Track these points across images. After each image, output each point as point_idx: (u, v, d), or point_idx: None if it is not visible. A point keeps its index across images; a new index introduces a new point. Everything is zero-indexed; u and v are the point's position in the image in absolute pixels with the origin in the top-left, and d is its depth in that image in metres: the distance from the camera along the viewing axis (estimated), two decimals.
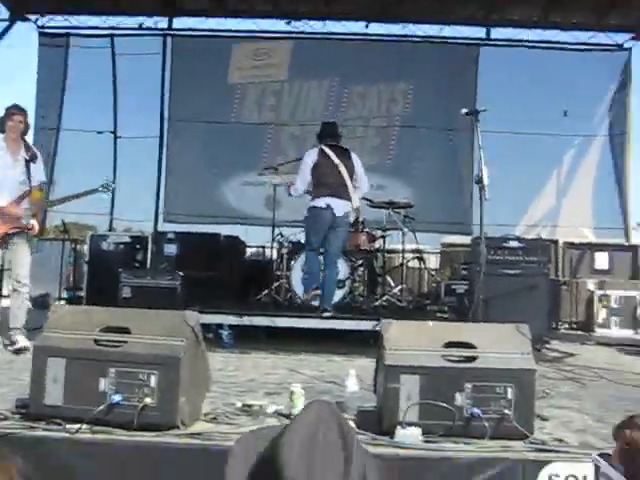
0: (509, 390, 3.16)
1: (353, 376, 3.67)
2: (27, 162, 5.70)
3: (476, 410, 3.13)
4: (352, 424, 3.28)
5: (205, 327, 5.98)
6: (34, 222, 5.69)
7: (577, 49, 10.82)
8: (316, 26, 10.98)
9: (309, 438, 1.33)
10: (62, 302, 9.59)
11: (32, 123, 10.99)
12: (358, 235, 7.94)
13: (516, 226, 10.40)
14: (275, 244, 8.08)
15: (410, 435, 3.07)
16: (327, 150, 6.79)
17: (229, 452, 1.44)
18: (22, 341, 5.45)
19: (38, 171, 5.86)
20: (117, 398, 3.13)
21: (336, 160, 6.73)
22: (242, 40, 11.27)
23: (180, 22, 11.31)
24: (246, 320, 6.42)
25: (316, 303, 6.93)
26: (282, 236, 8.03)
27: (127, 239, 9.16)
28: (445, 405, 3.14)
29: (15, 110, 5.75)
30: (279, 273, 7.73)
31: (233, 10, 10.97)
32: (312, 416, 1.37)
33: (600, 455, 2.18)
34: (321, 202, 6.66)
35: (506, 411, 3.13)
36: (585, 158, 10.88)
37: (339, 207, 6.67)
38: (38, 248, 11.24)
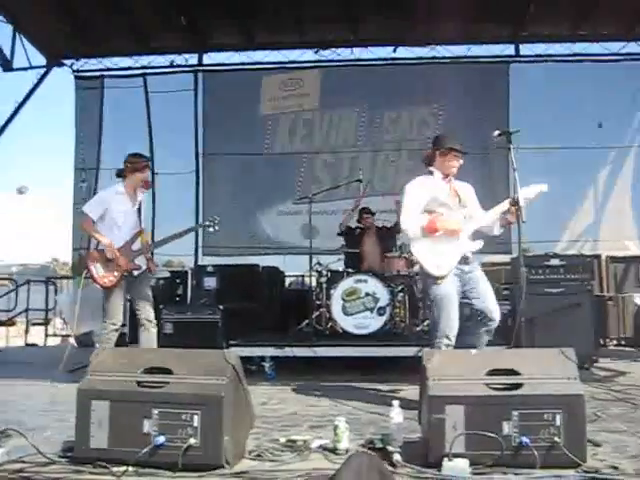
0: (557, 417, 3.08)
1: (397, 407, 3.61)
2: (140, 207, 6.10)
3: (524, 439, 3.06)
4: (398, 457, 3.25)
5: (247, 360, 6.06)
6: (151, 264, 6.07)
7: (608, 60, 10.69)
8: (344, 54, 11.08)
9: None
10: None
11: (72, 163, 11.53)
12: (397, 260, 7.90)
13: (557, 242, 10.25)
14: (313, 273, 8.04)
15: (458, 467, 3.01)
16: None
17: None
18: None
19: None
20: (161, 439, 3.13)
21: None
22: (272, 72, 11.40)
23: (210, 58, 11.49)
24: (288, 351, 6.41)
25: (359, 332, 6.95)
26: (320, 265, 8.00)
27: (167, 274, 9.22)
28: (492, 435, 3.07)
29: (145, 162, 6.12)
30: (319, 302, 7.70)
31: (261, 43, 11.12)
32: (351, 473, 1.35)
33: None
34: None
35: (556, 439, 3.06)
36: (623, 169, 10.70)
37: None
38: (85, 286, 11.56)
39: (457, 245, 4.69)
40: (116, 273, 5.77)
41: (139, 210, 6.07)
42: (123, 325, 9.19)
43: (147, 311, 5.95)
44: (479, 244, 4.78)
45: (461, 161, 4.95)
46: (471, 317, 4.75)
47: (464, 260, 4.73)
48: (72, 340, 11.08)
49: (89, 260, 5.86)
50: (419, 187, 4.89)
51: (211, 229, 6.16)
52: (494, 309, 4.65)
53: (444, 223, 4.70)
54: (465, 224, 4.78)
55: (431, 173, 4.95)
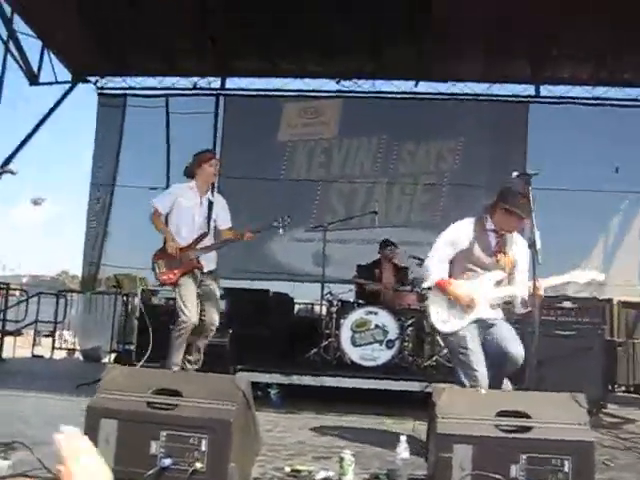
0: (566, 463, 3.05)
1: (404, 442, 3.60)
2: (210, 205, 5.86)
3: None
4: None
5: (253, 385, 6.03)
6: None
7: (628, 105, 10.76)
8: (365, 85, 11.19)
9: None
10: (112, 355, 9.73)
11: (89, 179, 11.64)
12: (408, 295, 7.90)
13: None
14: (324, 302, 8.03)
15: None
16: None
17: None
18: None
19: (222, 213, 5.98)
20: (167, 462, 3.12)
21: None
22: (292, 99, 11.52)
23: (232, 82, 11.64)
24: (295, 379, 6.40)
25: (367, 363, 6.92)
26: (332, 294, 8.01)
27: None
28: (499, 477, 3.05)
29: (212, 154, 6.11)
30: (328, 332, 7.69)
31: (284, 70, 11.25)
32: None
33: None
34: None
35: None
36: (636, 215, 10.72)
37: None
38: (91, 302, 11.59)
39: (471, 311, 4.54)
40: (176, 271, 5.62)
41: (210, 209, 5.86)
42: (127, 343, 9.32)
43: (211, 315, 5.80)
44: (499, 313, 4.66)
45: (522, 225, 4.57)
46: (491, 366, 4.46)
47: (482, 322, 4.53)
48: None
49: (155, 257, 5.73)
50: (455, 233, 4.65)
51: (280, 231, 6.10)
52: (517, 354, 4.40)
53: (453, 291, 4.48)
54: (488, 291, 4.52)
55: (484, 220, 4.61)
